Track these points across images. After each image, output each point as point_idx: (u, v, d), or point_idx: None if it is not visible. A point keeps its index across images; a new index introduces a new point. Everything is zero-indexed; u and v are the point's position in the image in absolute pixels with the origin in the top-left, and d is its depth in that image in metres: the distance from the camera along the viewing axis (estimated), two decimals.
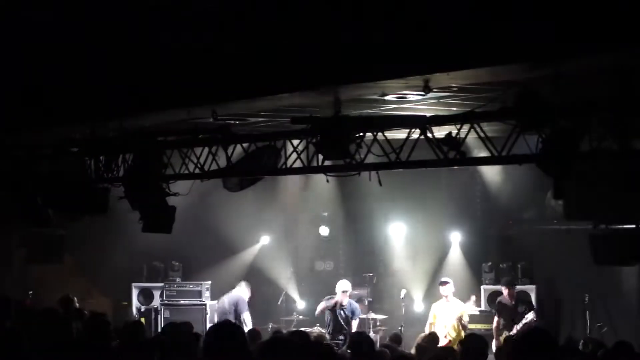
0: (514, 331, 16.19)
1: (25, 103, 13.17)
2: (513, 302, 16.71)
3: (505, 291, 16.87)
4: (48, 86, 12.81)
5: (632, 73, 8.37)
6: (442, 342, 15.55)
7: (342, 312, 16.90)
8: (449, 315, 16.78)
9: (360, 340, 10.68)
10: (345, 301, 17.04)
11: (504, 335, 16.31)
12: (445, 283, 17.08)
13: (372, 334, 16.99)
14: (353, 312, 17.01)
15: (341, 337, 16.46)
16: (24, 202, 14.07)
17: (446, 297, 16.95)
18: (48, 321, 10.42)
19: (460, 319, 16.58)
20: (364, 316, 18.29)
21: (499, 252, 19.10)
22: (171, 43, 11.33)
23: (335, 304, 16.96)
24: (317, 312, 17.27)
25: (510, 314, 16.62)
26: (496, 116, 9.51)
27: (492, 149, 9.54)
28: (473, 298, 17.31)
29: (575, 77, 8.86)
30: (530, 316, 16.24)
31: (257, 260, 20.61)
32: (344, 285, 17.18)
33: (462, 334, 16.29)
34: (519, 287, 17.31)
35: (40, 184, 13.90)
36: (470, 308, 17.12)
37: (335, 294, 17.09)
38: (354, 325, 16.94)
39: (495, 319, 16.92)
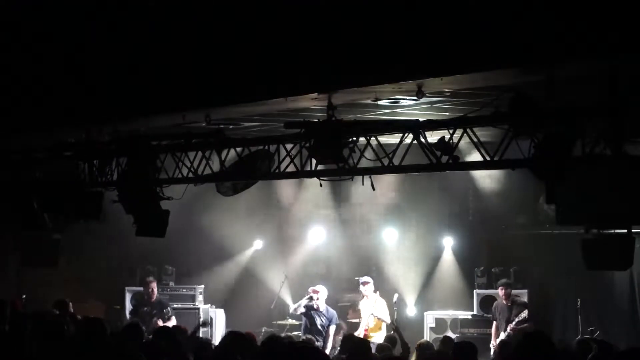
0: (508, 329, 16.31)
1: (19, 107, 13.19)
2: (508, 304, 16.73)
3: (500, 292, 16.89)
4: (42, 90, 12.84)
5: (625, 78, 8.41)
6: (361, 333, 16.77)
7: (321, 319, 17.07)
8: (367, 311, 17.32)
9: (357, 345, 10.69)
10: (323, 307, 17.19)
11: (500, 337, 16.40)
12: (365, 283, 17.54)
13: None
14: (330, 320, 17.21)
15: (318, 344, 16.57)
16: (19, 205, 14.08)
17: (366, 296, 17.40)
18: (43, 324, 10.43)
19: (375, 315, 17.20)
20: (356, 320, 18.33)
21: (492, 257, 19.12)
22: (165, 47, 11.36)
23: (310, 306, 17.17)
24: (293, 309, 17.51)
25: (506, 316, 16.67)
26: (489, 121, 9.54)
27: (485, 153, 9.56)
28: (396, 295, 17.62)
29: (568, 81, 8.90)
30: (523, 314, 16.32)
31: (250, 265, 20.64)
32: (316, 287, 17.51)
33: (382, 325, 17.16)
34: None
35: (36, 187, 13.92)
36: (381, 304, 17.44)
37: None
38: (331, 331, 17.14)
39: (494, 323, 17.01)
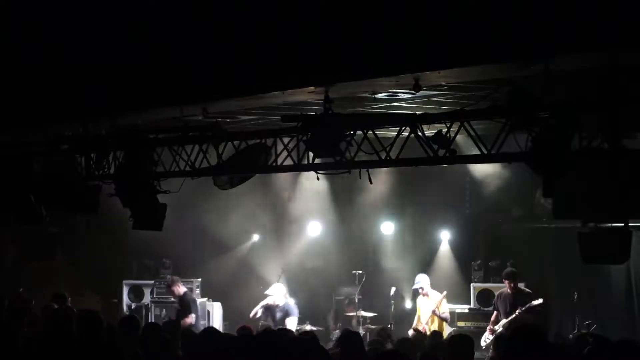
0: (512, 316, 16.06)
1: (16, 100, 13.18)
2: (514, 292, 16.32)
3: (507, 284, 16.63)
4: (40, 83, 12.82)
5: (622, 72, 8.41)
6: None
7: (278, 314, 17.07)
8: (427, 309, 16.92)
9: (350, 337, 10.67)
10: (282, 302, 17.15)
11: (498, 326, 16.27)
12: (421, 288, 17.12)
13: (361, 331, 17.03)
14: (287, 312, 17.11)
15: None
16: (17, 199, 14.08)
17: (424, 294, 17.05)
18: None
19: (434, 312, 16.73)
20: (353, 313, 18.35)
21: (488, 250, 19.13)
22: (163, 41, 11.35)
23: (267, 306, 17.17)
24: (250, 316, 17.23)
25: (509, 304, 16.36)
26: (486, 114, 9.54)
27: (482, 147, 9.56)
28: (444, 293, 17.34)
29: (566, 75, 8.90)
30: (538, 301, 16.05)
31: (248, 258, 20.66)
32: (269, 289, 17.39)
33: (444, 325, 16.69)
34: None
35: (33, 181, 13.92)
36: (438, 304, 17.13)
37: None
38: (289, 322, 16.93)
39: (495, 313, 16.72)
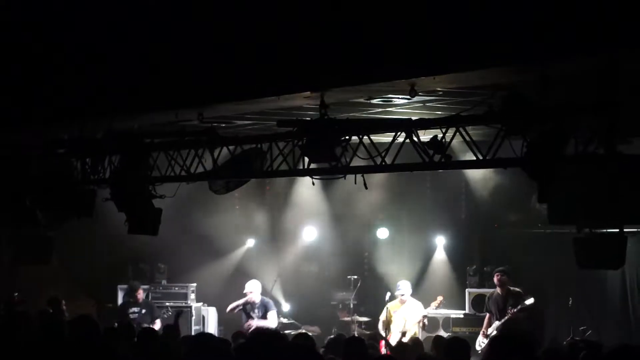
0: (510, 314, 16.05)
1: (12, 103, 13.16)
2: (503, 293, 16.42)
3: (495, 278, 16.62)
4: (35, 86, 12.81)
5: (618, 77, 8.41)
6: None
7: (256, 311, 17.07)
8: (405, 316, 16.82)
9: (354, 343, 10.64)
10: (258, 299, 17.18)
11: (491, 329, 16.29)
12: (401, 295, 17.04)
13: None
14: (266, 307, 17.15)
15: None
16: (12, 202, 14.06)
17: (403, 300, 16.98)
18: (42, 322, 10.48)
19: (419, 322, 16.73)
20: (348, 318, 18.32)
21: (484, 256, 19.13)
22: (159, 44, 11.34)
23: (245, 303, 17.17)
24: (227, 310, 17.42)
25: (500, 306, 16.40)
26: (482, 120, 9.54)
27: (478, 152, 9.57)
28: (440, 298, 17.29)
29: (561, 80, 8.90)
30: (530, 301, 16.07)
31: (243, 263, 20.61)
32: (247, 286, 17.33)
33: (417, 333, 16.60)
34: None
35: (29, 185, 13.90)
36: (429, 310, 17.08)
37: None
38: (270, 316, 17.01)
39: (487, 315, 16.82)
